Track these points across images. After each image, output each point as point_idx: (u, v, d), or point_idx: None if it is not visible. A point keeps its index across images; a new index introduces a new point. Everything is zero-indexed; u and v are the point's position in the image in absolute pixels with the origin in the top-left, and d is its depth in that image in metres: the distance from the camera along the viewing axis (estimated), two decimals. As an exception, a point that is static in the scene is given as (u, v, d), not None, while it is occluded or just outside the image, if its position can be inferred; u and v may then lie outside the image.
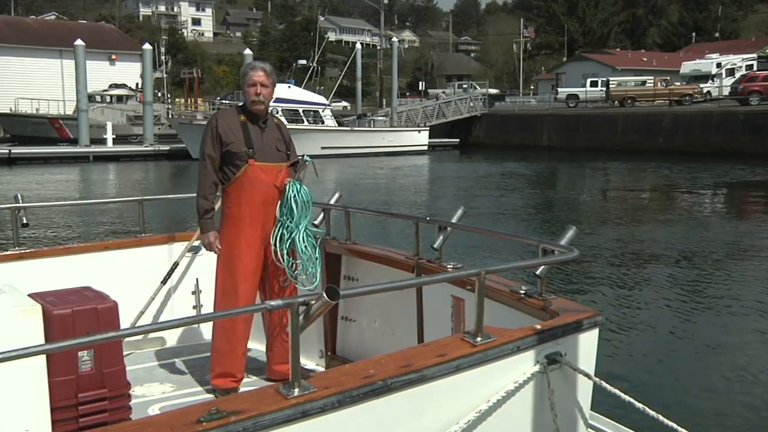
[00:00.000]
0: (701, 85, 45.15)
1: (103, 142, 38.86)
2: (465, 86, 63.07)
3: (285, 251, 4.31)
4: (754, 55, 49.77)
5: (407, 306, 4.33)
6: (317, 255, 4.40)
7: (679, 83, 46.54)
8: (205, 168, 4.40)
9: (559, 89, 54.79)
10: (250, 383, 4.55)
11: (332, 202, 4.98)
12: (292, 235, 4.31)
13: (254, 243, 4.38)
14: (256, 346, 4.89)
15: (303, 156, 4.50)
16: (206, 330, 5.14)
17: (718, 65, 47.54)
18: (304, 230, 4.34)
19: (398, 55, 52.13)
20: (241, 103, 4.57)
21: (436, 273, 4.02)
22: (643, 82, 46.57)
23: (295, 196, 4.32)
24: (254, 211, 4.36)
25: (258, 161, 4.34)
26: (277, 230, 4.35)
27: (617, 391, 2.77)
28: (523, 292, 3.35)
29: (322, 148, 36.99)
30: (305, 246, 4.32)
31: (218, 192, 4.51)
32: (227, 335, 4.41)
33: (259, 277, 4.46)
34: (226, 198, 4.46)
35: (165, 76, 58.59)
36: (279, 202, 4.37)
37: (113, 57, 56.16)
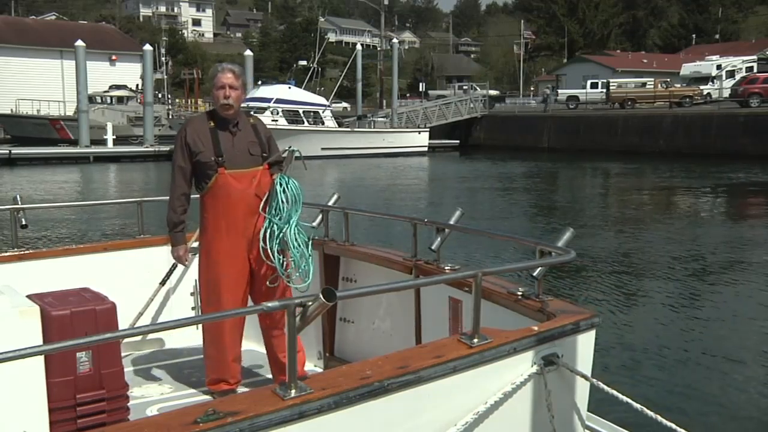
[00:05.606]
0: (701, 87, 45.19)
1: (103, 142, 38.90)
2: (465, 87, 63.09)
3: (275, 249, 4.12)
4: (754, 57, 49.74)
5: (405, 307, 4.33)
6: (310, 252, 4.22)
7: (679, 85, 46.57)
8: (174, 180, 4.28)
9: (559, 91, 54.79)
10: (249, 384, 4.55)
11: (330, 203, 4.98)
12: (283, 231, 4.11)
13: (234, 252, 4.24)
14: (255, 346, 4.90)
15: (289, 147, 4.33)
16: (205, 331, 5.15)
17: (719, 67, 47.55)
18: (296, 226, 4.15)
19: (398, 56, 52.15)
20: (211, 108, 4.42)
21: (433, 274, 4.02)
22: (644, 84, 46.59)
23: (284, 190, 4.12)
24: (230, 219, 4.22)
25: (228, 169, 4.18)
26: (266, 227, 4.15)
27: (614, 392, 2.77)
28: (520, 293, 3.35)
29: (323, 149, 37.01)
30: (297, 243, 4.13)
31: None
32: (215, 343, 4.34)
33: (244, 286, 4.30)
34: (202, 207, 4.33)
35: (165, 77, 58.62)
36: (264, 199, 4.20)
37: (114, 58, 56.16)
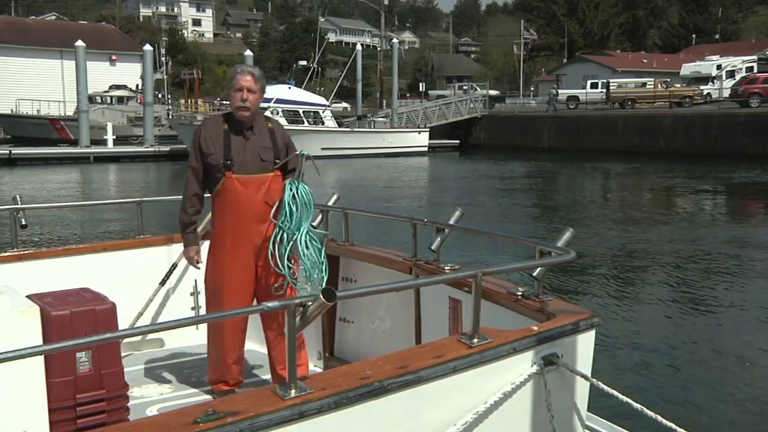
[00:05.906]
0: (701, 87, 45.20)
1: (103, 143, 38.93)
2: (465, 87, 63.08)
3: (285, 256, 4.01)
4: (754, 57, 49.75)
5: (405, 307, 4.34)
6: (323, 259, 4.05)
7: (679, 85, 46.58)
8: (187, 180, 4.25)
9: (560, 91, 54.79)
10: (249, 384, 4.55)
11: (330, 203, 4.98)
12: (293, 239, 3.99)
13: (238, 256, 4.17)
14: (255, 347, 4.90)
15: (300, 151, 4.20)
16: (204, 331, 5.14)
17: (719, 67, 47.57)
18: (306, 233, 4.02)
19: (398, 56, 52.16)
20: (228, 110, 4.29)
21: (433, 274, 4.03)
22: (644, 84, 46.60)
23: (294, 196, 4.01)
24: (237, 224, 4.15)
25: (236, 174, 4.11)
26: (275, 234, 4.05)
27: (614, 392, 2.78)
28: (520, 293, 3.36)
29: (323, 149, 37.02)
30: (308, 250, 3.99)
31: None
32: (216, 344, 4.36)
33: (247, 292, 4.24)
34: (213, 210, 4.31)
35: (165, 77, 58.62)
36: (275, 206, 4.11)
37: (114, 58, 56.16)
